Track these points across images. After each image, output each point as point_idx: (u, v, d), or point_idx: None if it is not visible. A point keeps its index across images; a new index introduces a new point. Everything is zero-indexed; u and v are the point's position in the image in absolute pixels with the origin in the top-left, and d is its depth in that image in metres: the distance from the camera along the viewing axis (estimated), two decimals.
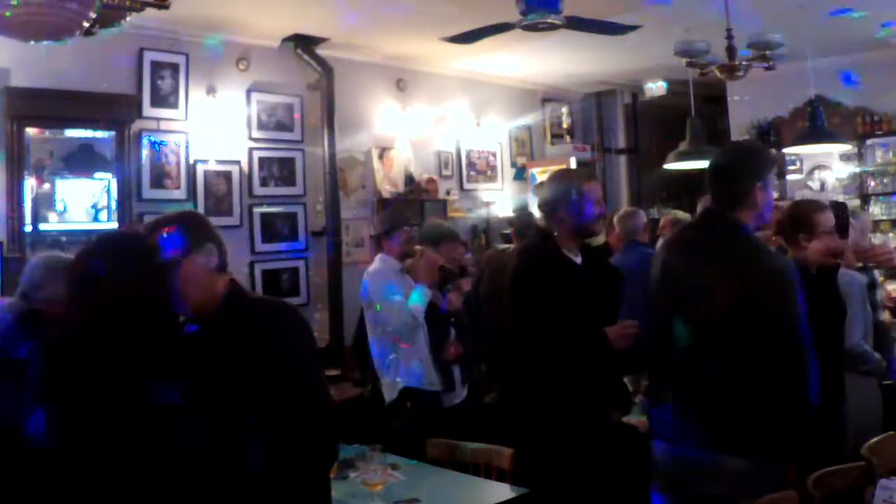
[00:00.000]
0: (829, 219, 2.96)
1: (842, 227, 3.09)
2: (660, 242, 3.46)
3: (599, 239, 4.02)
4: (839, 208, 3.19)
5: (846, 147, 6.48)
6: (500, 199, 7.52)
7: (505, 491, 2.66)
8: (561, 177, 3.19)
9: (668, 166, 5.50)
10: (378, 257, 3.97)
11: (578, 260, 3.01)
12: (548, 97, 8.15)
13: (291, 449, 1.84)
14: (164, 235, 1.98)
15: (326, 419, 1.93)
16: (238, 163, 5.61)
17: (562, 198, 2.97)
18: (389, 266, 3.86)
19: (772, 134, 7.44)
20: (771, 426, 2.23)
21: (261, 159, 5.75)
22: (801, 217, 2.98)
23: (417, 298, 3.69)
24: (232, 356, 1.88)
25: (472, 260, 5.04)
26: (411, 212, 6.19)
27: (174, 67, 5.28)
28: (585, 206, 2.93)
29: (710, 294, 2.27)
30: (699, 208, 4.00)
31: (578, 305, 2.83)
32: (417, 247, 3.90)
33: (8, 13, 2.21)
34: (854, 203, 6.98)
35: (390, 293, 3.71)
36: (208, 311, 1.97)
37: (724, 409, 2.25)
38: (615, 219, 5.02)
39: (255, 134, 5.72)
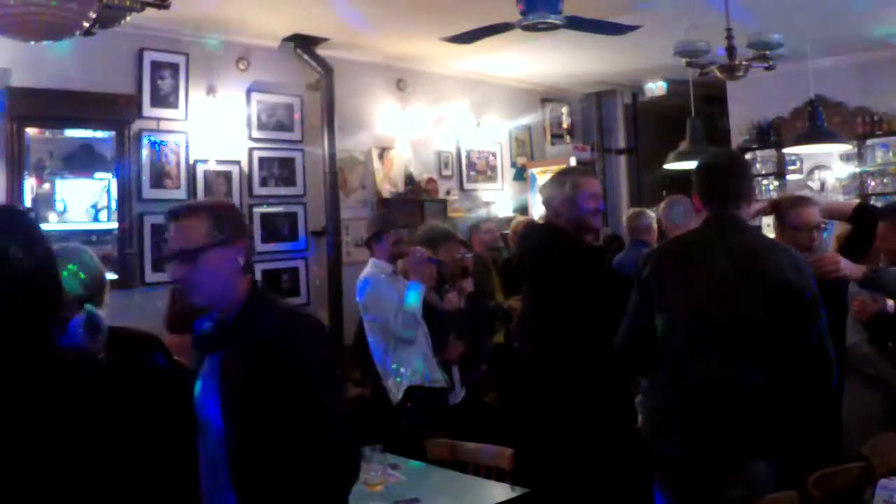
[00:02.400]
0: (800, 215, 3.05)
1: (867, 230, 3.10)
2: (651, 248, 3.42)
3: None
4: (868, 213, 3.18)
5: (846, 147, 6.47)
6: (500, 199, 7.52)
7: (505, 491, 2.66)
8: (559, 174, 3.27)
9: (668, 166, 5.50)
10: (370, 262, 3.96)
11: None
12: (548, 97, 8.15)
13: (310, 470, 1.75)
14: (191, 221, 1.87)
15: (347, 436, 1.84)
16: (238, 163, 5.61)
17: (558, 193, 3.05)
18: (381, 270, 3.86)
19: (772, 134, 7.44)
20: (799, 426, 2.24)
21: (261, 159, 5.75)
22: (779, 212, 3.12)
23: (413, 297, 3.70)
24: (246, 365, 1.80)
25: (473, 260, 5.04)
26: (411, 212, 6.20)
27: (174, 67, 5.28)
28: (580, 200, 3.00)
29: (752, 293, 2.25)
30: (664, 209, 4.02)
31: (604, 293, 2.85)
32: (417, 247, 3.90)
33: (12, 13, 2.20)
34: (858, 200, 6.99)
35: (385, 297, 3.71)
36: (225, 312, 1.89)
37: (753, 413, 2.23)
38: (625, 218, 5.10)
39: (255, 134, 5.72)
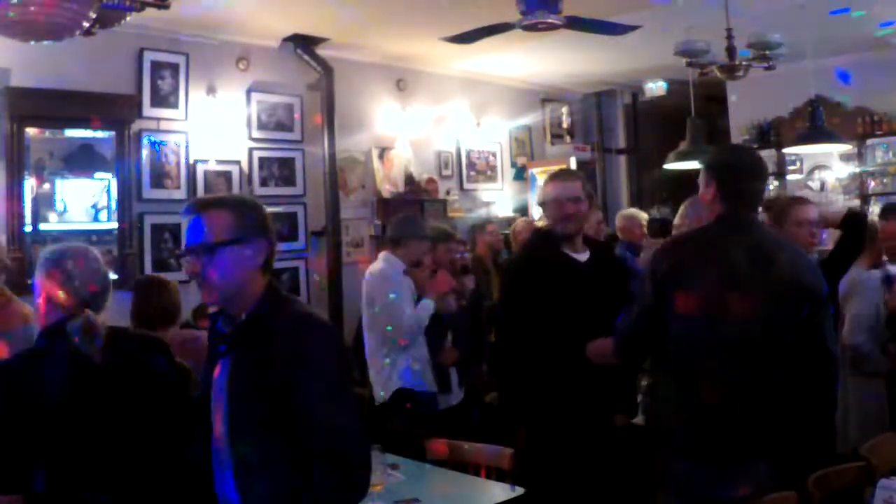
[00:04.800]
0: (802, 212, 3.06)
1: (857, 236, 3.11)
2: (654, 248, 3.39)
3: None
4: (857, 220, 3.19)
5: (846, 147, 6.47)
6: (500, 199, 7.52)
7: (505, 491, 2.66)
8: (547, 177, 3.22)
9: (668, 166, 5.50)
10: (382, 256, 3.94)
11: (583, 257, 2.99)
12: (548, 97, 8.16)
13: (318, 480, 1.70)
14: (212, 215, 1.81)
15: (358, 447, 1.77)
16: (238, 163, 5.61)
17: (540, 198, 3.05)
18: (393, 266, 3.85)
19: (772, 134, 7.44)
20: (801, 425, 2.25)
21: (261, 159, 5.75)
22: (778, 212, 3.10)
23: (423, 310, 3.73)
24: (255, 369, 1.76)
25: (473, 260, 5.05)
26: (411, 212, 6.20)
27: (174, 67, 5.28)
28: (549, 208, 2.96)
29: (769, 293, 2.24)
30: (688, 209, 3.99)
31: (566, 303, 2.81)
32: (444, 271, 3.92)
33: (11, 13, 2.20)
34: (854, 203, 6.99)
35: (395, 295, 3.71)
36: (237, 311, 1.84)
37: (764, 412, 2.23)
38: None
39: (255, 134, 5.72)
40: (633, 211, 5.67)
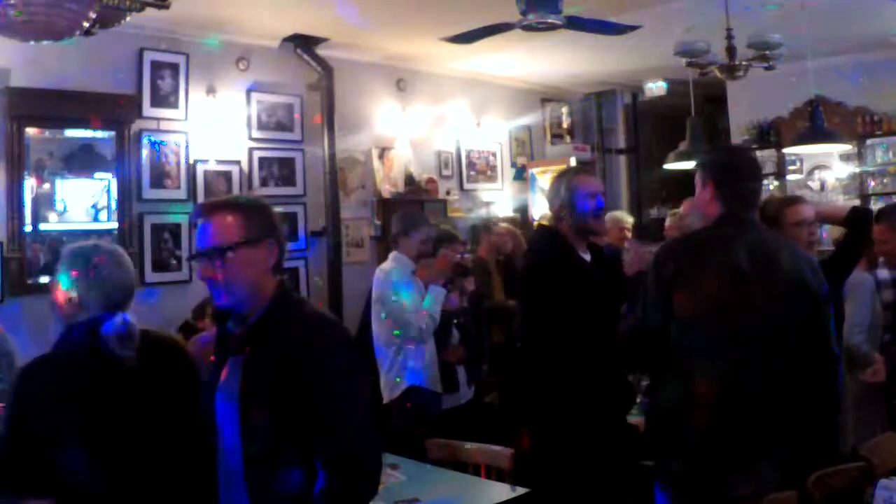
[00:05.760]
0: (798, 212, 3.04)
1: (862, 234, 3.11)
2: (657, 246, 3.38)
3: None
4: (863, 216, 3.18)
5: (846, 147, 6.46)
6: (500, 199, 7.52)
7: (505, 491, 2.66)
8: (556, 176, 3.16)
9: (668, 166, 5.50)
10: (392, 255, 3.96)
11: (587, 257, 3.00)
12: (548, 97, 8.15)
13: (325, 486, 1.71)
14: (222, 218, 1.83)
15: (368, 446, 1.80)
16: (238, 163, 5.61)
17: (555, 195, 2.98)
18: (403, 266, 3.86)
19: (772, 134, 7.43)
20: (804, 424, 2.26)
21: (261, 159, 5.75)
22: (773, 214, 3.06)
23: (432, 300, 3.72)
24: (267, 368, 1.76)
25: (475, 261, 5.04)
26: (406, 209, 6.19)
27: (174, 67, 5.28)
28: (578, 202, 2.91)
29: (774, 294, 2.24)
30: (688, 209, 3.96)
31: (590, 303, 2.82)
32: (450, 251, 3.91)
33: (17, 13, 2.20)
34: (854, 203, 6.99)
35: (406, 293, 3.72)
36: (250, 312, 1.85)
37: (767, 411, 2.23)
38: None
39: (255, 134, 5.72)
40: (618, 214, 5.65)
